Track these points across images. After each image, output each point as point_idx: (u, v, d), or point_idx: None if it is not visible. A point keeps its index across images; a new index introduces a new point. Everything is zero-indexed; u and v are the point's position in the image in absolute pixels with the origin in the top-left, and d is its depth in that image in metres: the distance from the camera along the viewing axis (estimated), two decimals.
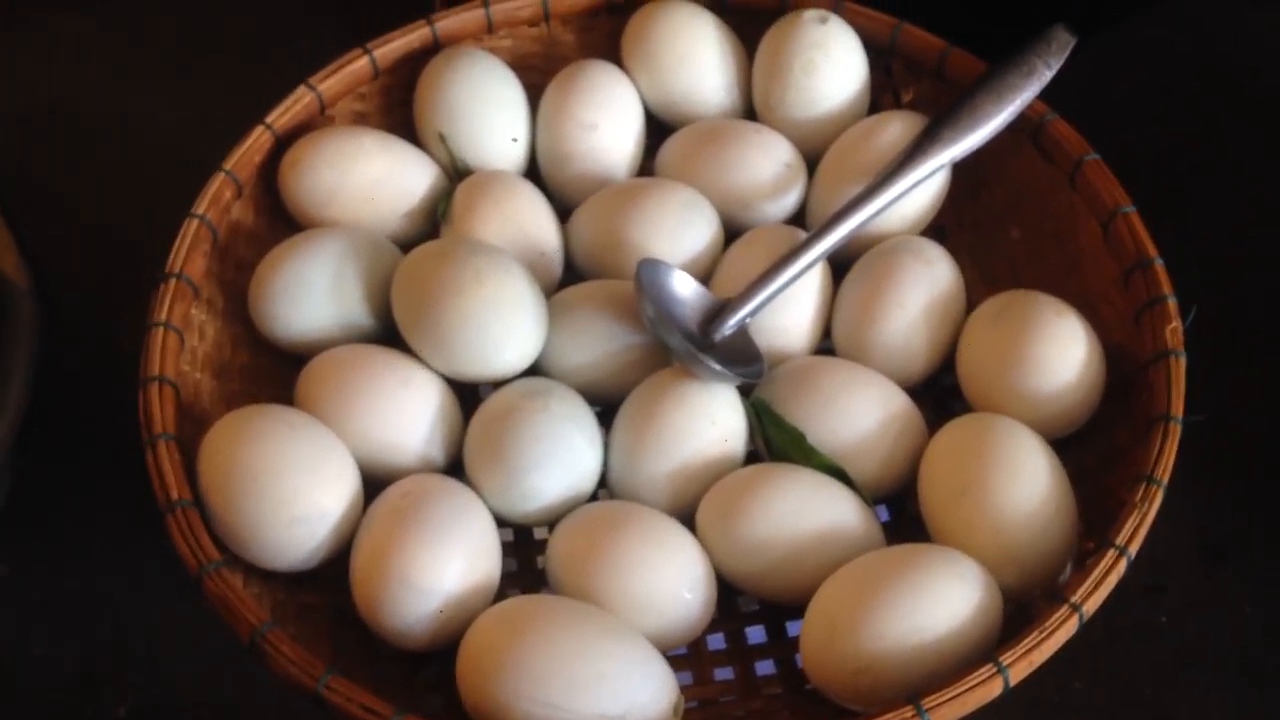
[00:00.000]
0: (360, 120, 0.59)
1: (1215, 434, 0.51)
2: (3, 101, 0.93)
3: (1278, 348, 0.65)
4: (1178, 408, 0.45)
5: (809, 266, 0.51)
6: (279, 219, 0.56)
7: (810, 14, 0.57)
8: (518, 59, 0.61)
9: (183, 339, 0.49)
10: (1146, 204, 0.52)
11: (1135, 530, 0.43)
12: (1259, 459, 0.62)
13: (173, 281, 0.50)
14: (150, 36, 0.90)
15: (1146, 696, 0.55)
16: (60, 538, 0.61)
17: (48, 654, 0.57)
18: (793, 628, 0.48)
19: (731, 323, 0.50)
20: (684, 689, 0.43)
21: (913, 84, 0.59)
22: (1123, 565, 0.42)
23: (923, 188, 0.54)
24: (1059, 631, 0.40)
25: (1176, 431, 0.45)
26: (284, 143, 0.55)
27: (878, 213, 0.52)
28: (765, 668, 0.47)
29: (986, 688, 0.39)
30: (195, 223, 0.51)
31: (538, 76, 0.60)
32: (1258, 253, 0.68)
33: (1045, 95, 0.54)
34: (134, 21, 0.91)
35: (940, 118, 0.54)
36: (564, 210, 0.57)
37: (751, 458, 0.50)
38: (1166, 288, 0.49)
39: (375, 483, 0.48)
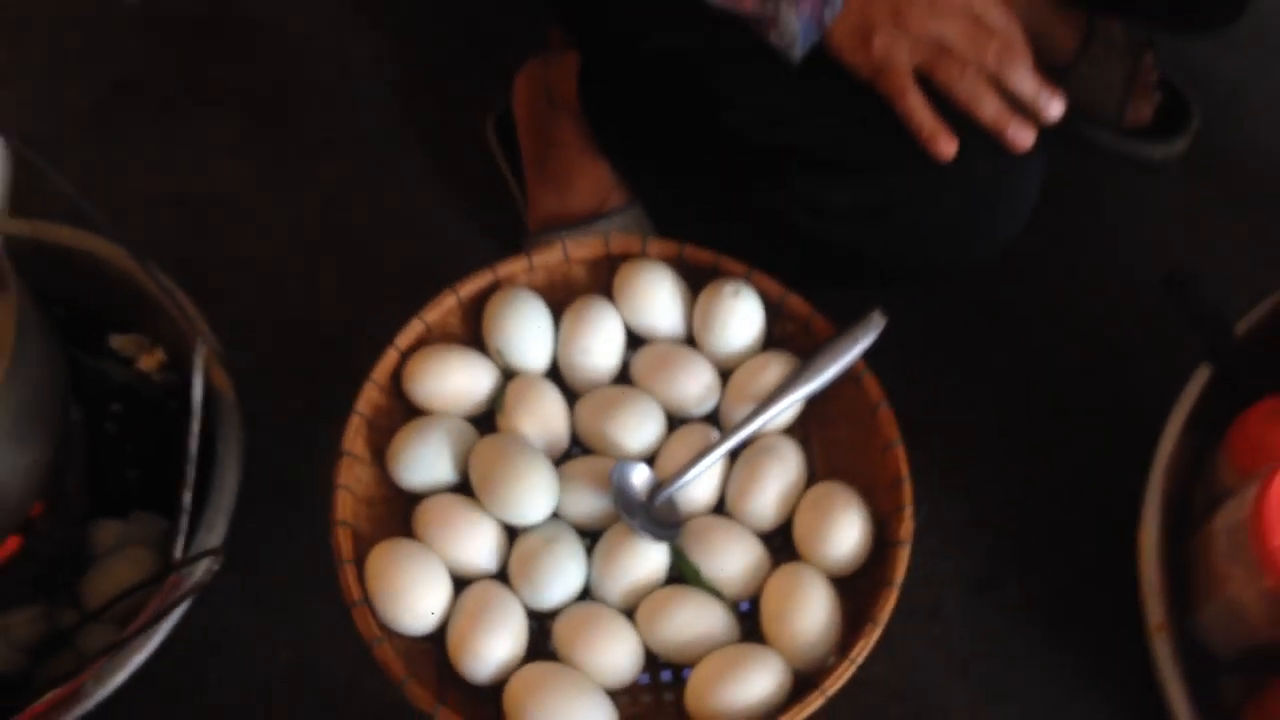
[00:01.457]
0: (451, 334, 0.91)
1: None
2: (163, 186, 1.26)
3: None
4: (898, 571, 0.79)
5: (713, 462, 0.84)
6: (403, 404, 0.89)
7: (728, 286, 0.89)
8: (547, 287, 0.92)
9: (353, 491, 0.83)
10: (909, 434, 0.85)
11: (869, 639, 0.77)
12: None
13: (345, 457, 0.83)
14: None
15: None
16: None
17: None
18: (686, 672, 0.83)
19: (663, 496, 0.84)
20: (622, 706, 0.79)
21: (797, 325, 0.91)
22: (853, 668, 0.77)
23: (790, 402, 0.86)
24: (818, 699, 0.75)
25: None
26: (405, 355, 0.88)
27: (762, 425, 0.85)
28: (670, 696, 0.83)
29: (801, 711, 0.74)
30: (357, 418, 0.85)
31: (562, 296, 0.92)
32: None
33: (870, 352, 0.86)
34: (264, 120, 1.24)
35: (804, 364, 0.86)
36: (573, 394, 0.90)
37: (671, 579, 0.84)
38: (908, 497, 0.82)
39: (459, 582, 0.82)
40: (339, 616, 0.85)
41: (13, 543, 0.93)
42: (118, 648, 0.83)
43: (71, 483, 0.95)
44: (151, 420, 1.03)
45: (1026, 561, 1.04)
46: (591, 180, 1.12)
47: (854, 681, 0.77)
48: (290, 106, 1.31)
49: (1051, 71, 1.17)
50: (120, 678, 0.89)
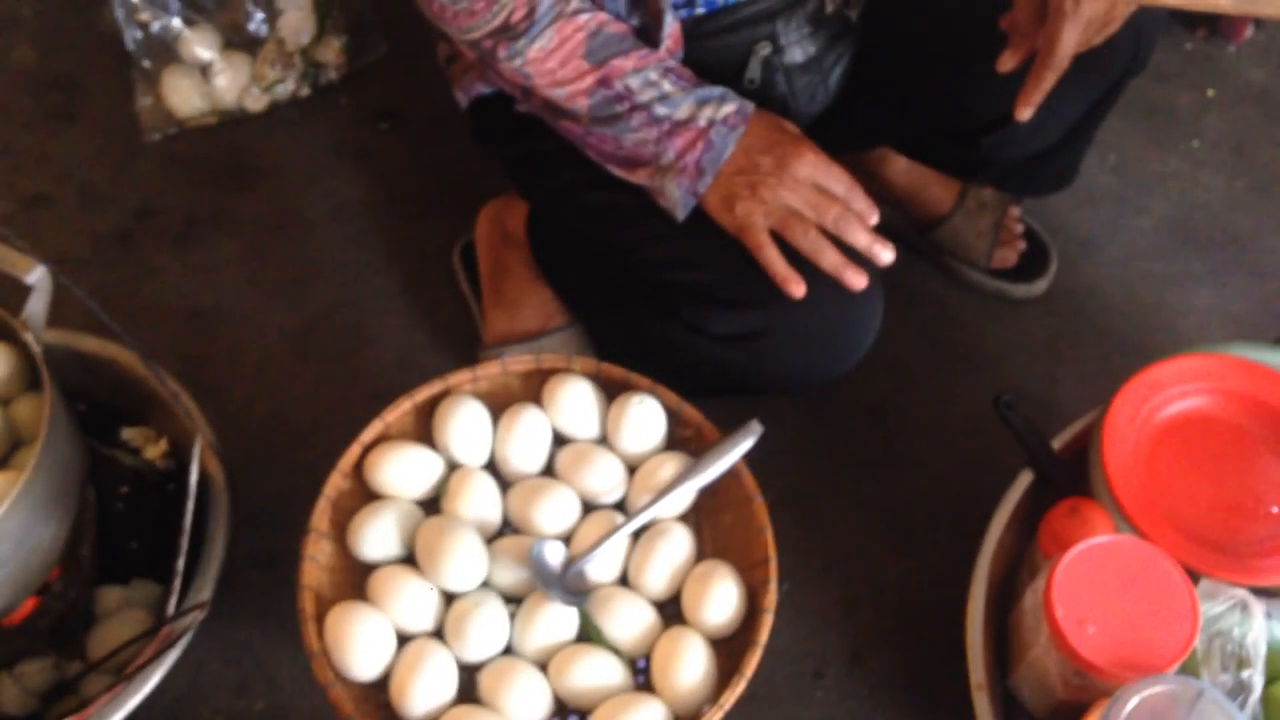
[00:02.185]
0: (406, 433, 1.06)
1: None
2: (178, 300, 1.41)
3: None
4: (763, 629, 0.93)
5: (617, 541, 0.99)
6: (363, 489, 1.04)
7: (634, 397, 1.04)
8: (489, 395, 1.08)
9: (318, 561, 0.98)
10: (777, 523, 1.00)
11: (735, 689, 0.91)
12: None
13: (312, 533, 0.98)
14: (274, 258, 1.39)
15: None
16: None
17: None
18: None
19: (575, 569, 0.98)
20: None
21: (691, 430, 1.06)
22: (721, 713, 0.90)
23: (684, 493, 1.01)
24: None
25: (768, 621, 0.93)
26: (367, 449, 1.03)
27: (659, 512, 0.99)
28: None
29: None
30: (324, 500, 0.99)
31: (501, 403, 1.07)
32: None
33: (757, 453, 1.01)
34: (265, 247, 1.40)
35: (695, 462, 1.01)
36: (506, 484, 1.05)
37: (579, 639, 0.98)
38: (773, 573, 0.96)
39: (403, 638, 0.96)
40: (305, 672, 1.00)
41: (31, 602, 1.07)
42: (118, 685, 0.96)
43: (84, 552, 1.09)
44: (153, 500, 1.17)
45: (888, 639, 1.18)
46: (538, 303, 1.29)
47: None
48: (288, 235, 1.48)
49: (930, 221, 1.36)
50: (118, 717, 1.02)
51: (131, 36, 1.52)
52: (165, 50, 1.54)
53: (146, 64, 1.54)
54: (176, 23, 1.53)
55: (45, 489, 0.96)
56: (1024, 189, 1.29)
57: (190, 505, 1.05)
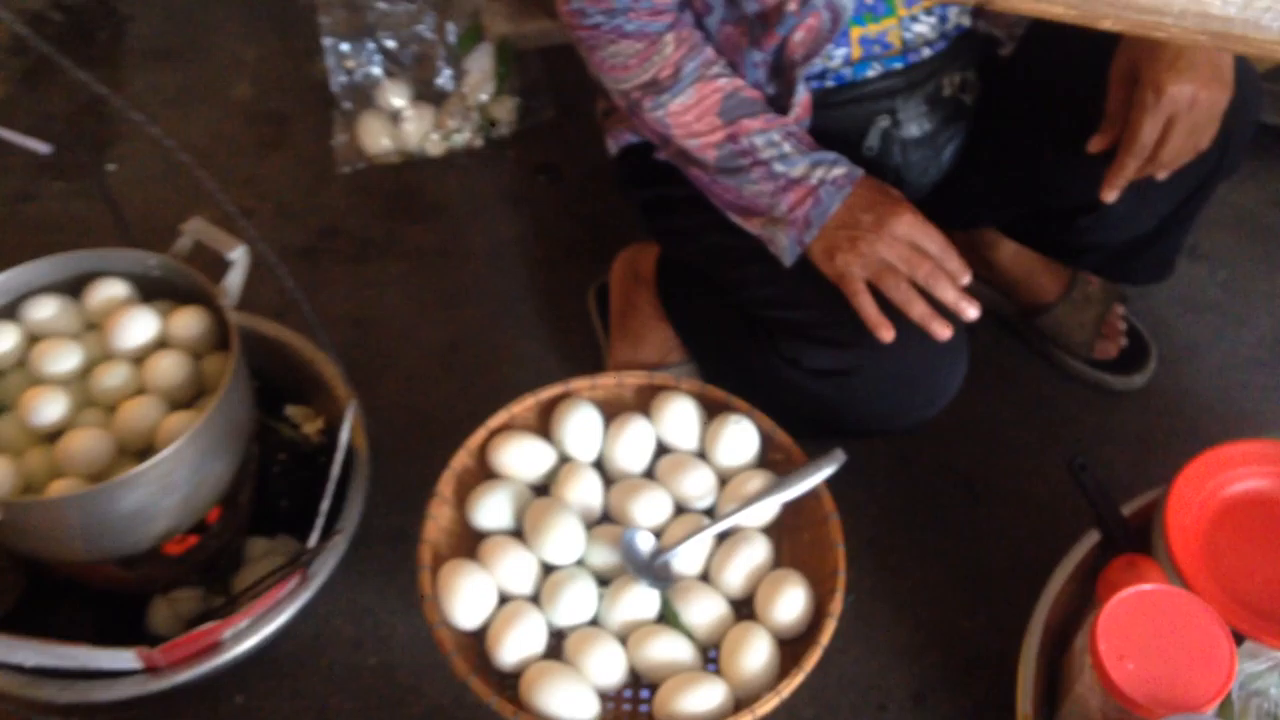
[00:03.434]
0: (528, 425, 1.18)
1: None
2: (346, 309, 1.57)
3: None
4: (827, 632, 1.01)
5: (702, 540, 1.08)
6: (484, 468, 1.16)
7: (732, 418, 1.14)
8: (604, 402, 1.19)
9: (438, 522, 1.10)
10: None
11: (793, 680, 0.99)
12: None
13: (436, 497, 1.10)
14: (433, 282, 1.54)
15: None
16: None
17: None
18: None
19: (661, 559, 1.08)
20: (606, 710, 1.01)
21: (781, 455, 1.16)
22: (778, 699, 0.98)
23: (767, 506, 1.10)
24: (746, 716, 0.97)
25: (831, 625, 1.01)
26: (492, 434, 1.15)
27: (742, 520, 1.09)
28: (642, 709, 1.05)
29: None
30: (450, 471, 1.12)
31: (613, 411, 1.19)
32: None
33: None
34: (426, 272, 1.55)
35: (781, 479, 1.10)
36: (610, 481, 1.16)
37: (658, 620, 1.07)
38: (841, 583, 1.04)
39: (504, 598, 1.07)
40: (416, 635, 1.12)
41: (193, 538, 1.22)
42: (259, 592, 1.10)
43: (242, 499, 1.24)
44: (305, 469, 1.32)
45: (951, 683, 1.24)
46: (659, 340, 1.40)
47: None
48: (447, 264, 1.64)
49: (1036, 308, 1.44)
50: (253, 641, 1.15)
51: (337, 81, 1.72)
52: (364, 96, 1.73)
53: (347, 106, 1.73)
54: (377, 72, 1.72)
55: (219, 431, 1.11)
56: (1123, 276, 1.36)
57: (340, 455, 1.19)
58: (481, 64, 1.74)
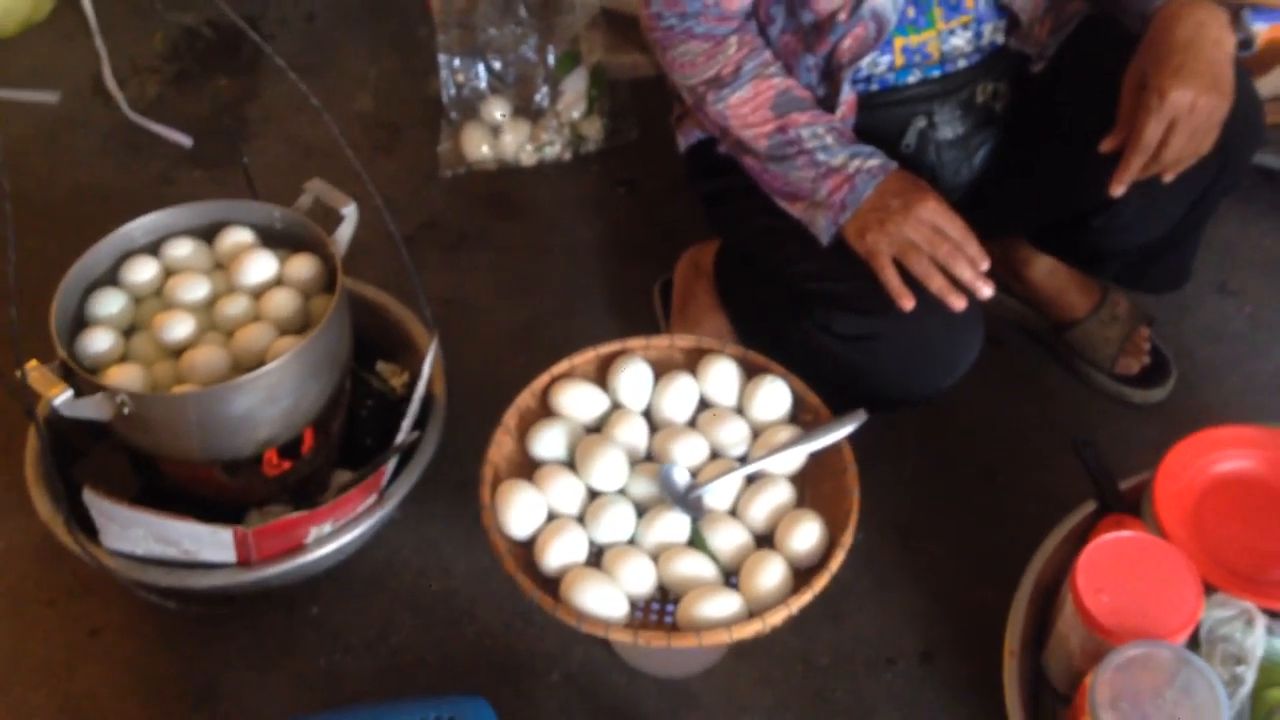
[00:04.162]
0: (587, 375, 1.31)
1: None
2: (438, 291, 1.72)
3: None
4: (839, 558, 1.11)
5: (732, 480, 1.20)
6: (545, 408, 1.29)
7: (768, 378, 1.26)
8: (655, 360, 1.32)
9: (501, 449, 1.23)
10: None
11: (803, 596, 1.09)
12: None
13: (500, 427, 1.23)
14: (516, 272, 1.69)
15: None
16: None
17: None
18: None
19: (695, 493, 1.19)
20: (634, 617, 1.12)
21: (811, 415, 1.27)
22: (788, 612, 1.08)
23: (794, 455, 1.21)
24: (756, 624, 1.07)
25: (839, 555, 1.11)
26: (555, 379, 1.29)
27: (770, 465, 1.20)
28: (667, 619, 1.16)
29: (741, 630, 1.07)
30: (514, 408, 1.25)
31: (663, 368, 1.31)
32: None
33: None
34: (510, 263, 1.70)
35: (807, 432, 1.21)
36: (655, 427, 1.28)
37: (688, 544, 1.18)
38: (853, 521, 1.14)
39: (552, 515, 1.19)
40: (475, 567, 1.25)
41: (288, 462, 1.36)
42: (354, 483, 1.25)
43: (334, 429, 1.38)
44: (389, 415, 1.45)
45: (958, 646, 1.32)
46: (714, 327, 1.53)
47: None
48: (530, 257, 1.79)
49: (1065, 323, 1.54)
50: (332, 546, 1.28)
51: (447, 93, 1.90)
52: (469, 108, 1.91)
53: (453, 116, 1.91)
54: (483, 87, 1.90)
55: (319, 356, 1.26)
56: (1140, 285, 1.45)
57: (423, 381, 1.34)
58: (576, 86, 1.90)
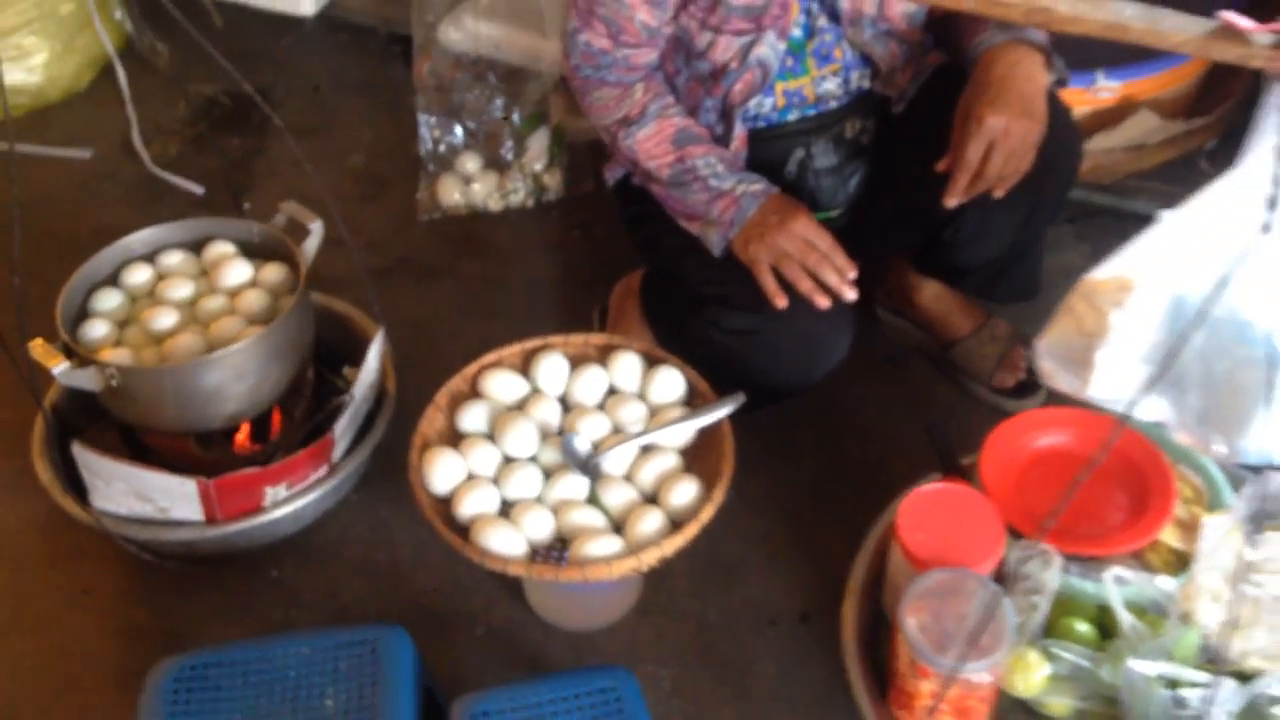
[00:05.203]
0: (513, 365, 1.49)
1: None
2: (406, 315, 1.91)
3: None
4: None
5: (627, 449, 1.36)
6: (474, 391, 1.46)
7: (665, 367, 1.43)
8: (572, 355, 1.49)
9: (433, 424, 1.40)
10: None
11: (676, 540, 1.24)
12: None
13: (432, 406, 1.41)
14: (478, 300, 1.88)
15: None
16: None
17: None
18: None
19: (595, 459, 1.36)
20: (535, 560, 1.28)
21: (702, 400, 1.44)
22: (660, 553, 1.24)
23: (681, 430, 1.38)
24: (632, 561, 1.23)
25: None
26: (483, 368, 1.46)
27: (660, 439, 1.37)
28: (564, 562, 1.31)
29: (620, 565, 1.22)
30: (445, 390, 1.43)
31: (580, 361, 1.49)
32: None
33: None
34: (474, 293, 1.89)
35: (693, 411, 1.38)
36: (567, 409, 1.45)
37: (586, 501, 1.35)
38: (725, 479, 1.30)
39: (471, 476, 1.36)
40: (418, 541, 1.43)
41: (258, 445, 1.54)
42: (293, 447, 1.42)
43: (297, 414, 1.56)
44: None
45: (833, 608, 1.46)
46: (640, 337, 1.70)
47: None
48: (492, 288, 1.98)
49: (949, 342, 1.71)
50: (288, 509, 1.45)
51: (425, 148, 2.12)
52: (445, 161, 2.12)
53: (431, 168, 2.12)
54: (458, 143, 2.12)
55: (281, 341, 1.45)
56: (994, 295, 1.62)
57: (371, 363, 1.52)
58: (540, 142, 2.11)
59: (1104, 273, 0.88)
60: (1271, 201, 0.69)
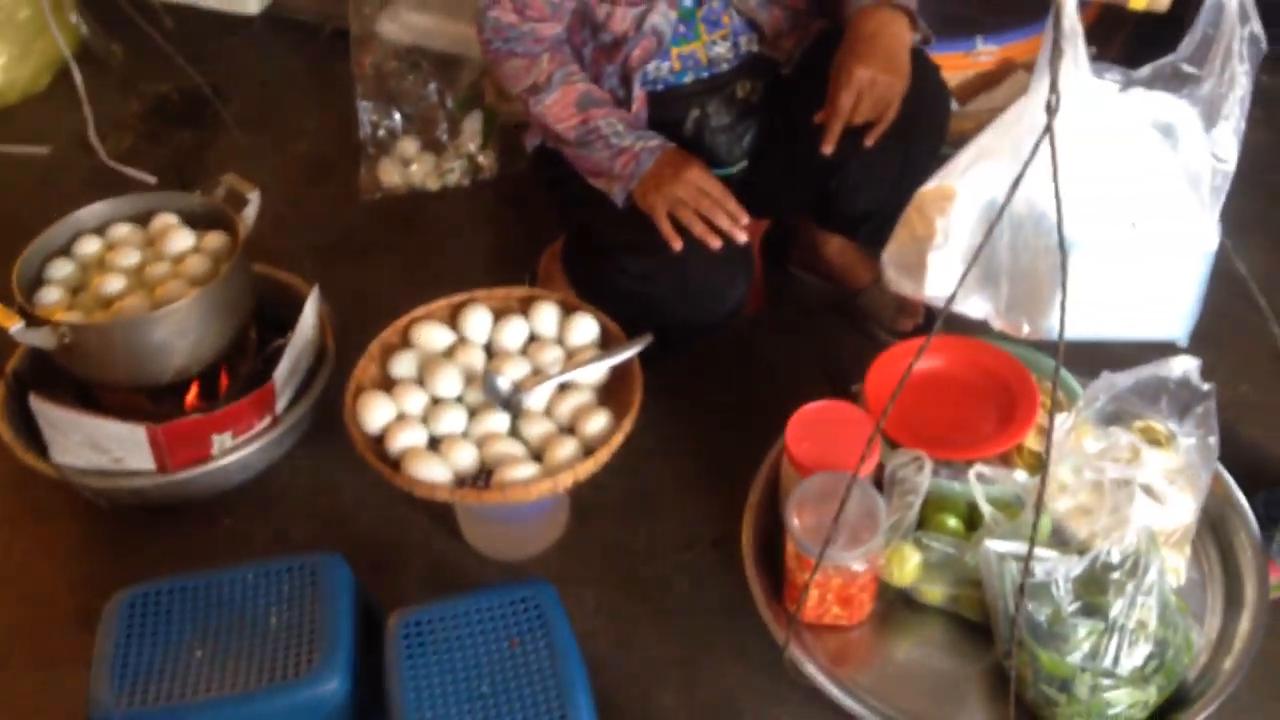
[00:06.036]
0: (442, 318, 1.58)
1: None
2: (350, 284, 1.99)
3: None
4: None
5: (545, 388, 1.45)
6: (405, 342, 1.55)
7: (580, 314, 1.53)
8: (496, 308, 1.59)
9: (367, 373, 1.49)
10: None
11: (590, 463, 1.34)
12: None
13: (366, 356, 1.50)
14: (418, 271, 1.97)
15: None
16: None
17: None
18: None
19: (516, 396, 1.45)
20: (459, 487, 1.37)
21: (615, 342, 1.53)
22: (573, 478, 1.33)
23: (594, 369, 1.47)
24: (550, 483, 1.32)
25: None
26: (412, 321, 1.55)
27: (577, 375, 1.46)
28: (484, 488, 1.41)
29: (537, 487, 1.32)
30: (378, 341, 1.52)
31: (503, 313, 1.58)
32: None
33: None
34: (414, 265, 1.98)
35: (605, 352, 1.48)
36: (492, 354, 1.54)
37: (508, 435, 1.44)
38: (635, 409, 1.40)
39: (401, 416, 1.45)
40: (356, 490, 1.51)
41: (205, 402, 1.62)
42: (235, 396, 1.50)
43: (243, 371, 1.64)
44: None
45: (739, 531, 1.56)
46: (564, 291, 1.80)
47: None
48: (431, 259, 2.07)
49: (853, 292, 1.81)
50: (235, 458, 1.54)
51: (365, 133, 2.20)
52: (384, 145, 2.21)
53: (371, 151, 2.21)
54: (397, 127, 2.21)
55: (220, 300, 1.53)
56: (882, 244, 1.72)
57: (306, 319, 1.61)
58: (474, 124, 2.21)
59: (930, 184, 0.99)
60: (1052, 85, 0.78)
